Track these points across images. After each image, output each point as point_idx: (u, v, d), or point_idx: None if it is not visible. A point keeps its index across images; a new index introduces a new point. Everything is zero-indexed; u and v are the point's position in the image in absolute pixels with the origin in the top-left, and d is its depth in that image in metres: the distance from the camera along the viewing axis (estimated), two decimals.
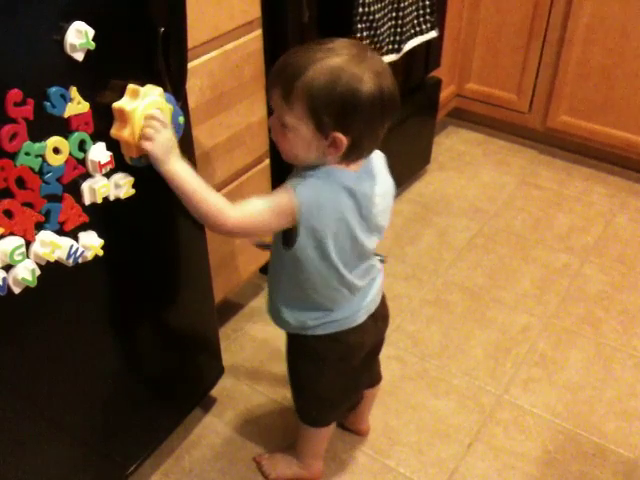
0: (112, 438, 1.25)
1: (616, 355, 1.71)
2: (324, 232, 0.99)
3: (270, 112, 1.53)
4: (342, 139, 0.94)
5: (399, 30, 1.77)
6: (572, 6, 2.16)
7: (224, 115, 1.41)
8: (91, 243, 0.97)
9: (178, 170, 0.97)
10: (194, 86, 1.28)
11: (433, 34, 1.92)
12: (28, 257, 0.89)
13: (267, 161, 1.62)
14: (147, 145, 0.95)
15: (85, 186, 0.94)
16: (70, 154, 0.90)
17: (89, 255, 0.97)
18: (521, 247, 2.08)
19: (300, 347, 1.19)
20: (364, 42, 1.58)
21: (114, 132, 0.95)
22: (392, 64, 1.71)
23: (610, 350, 1.72)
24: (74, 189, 0.93)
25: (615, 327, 1.79)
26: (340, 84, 0.91)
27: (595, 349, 1.73)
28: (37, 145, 0.85)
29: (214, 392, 1.57)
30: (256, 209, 0.98)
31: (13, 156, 0.83)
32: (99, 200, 0.96)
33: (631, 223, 2.19)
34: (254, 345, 1.73)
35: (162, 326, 1.30)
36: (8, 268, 0.87)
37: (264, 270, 1.84)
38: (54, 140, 0.87)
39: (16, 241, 0.86)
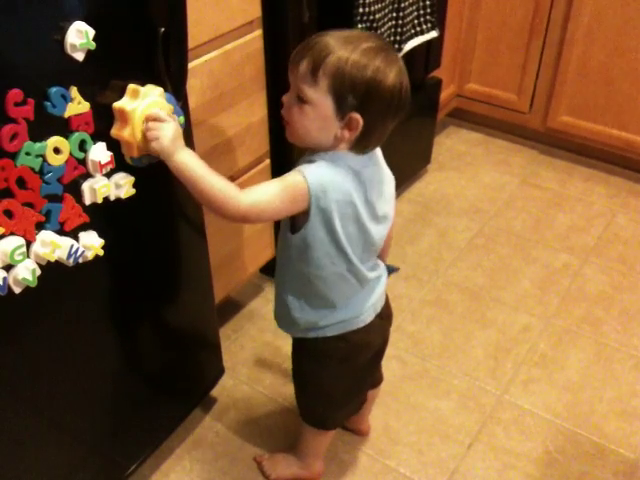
0: (112, 438, 1.25)
1: (616, 355, 1.71)
2: (333, 213, 0.99)
3: (271, 112, 1.56)
4: (359, 120, 0.95)
5: (399, 30, 1.77)
6: (572, 6, 2.16)
7: (224, 115, 1.41)
8: (91, 243, 0.97)
9: (185, 160, 0.96)
10: (194, 86, 1.28)
11: (433, 34, 1.92)
12: (28, 257, 0.89)
13: (267, 161, 1.62)
14: (154, 145, 0.95)
15: (85, 186, 0.94)
16: (70, 154, 0.90)
17: (89, 255, 0.97)
18: (521, 247, 2.08)
19: (306, 347, 1.19)
20: None
21: (114, 132, 0.95)
22: None
23: (610, 350, 1.72)
24: (74, 189, 0.93)
25: (615, 327, 1.79)
26: (370, 68, 0.93)
27: (595, 349, 1.73)
28: (37, 145, 0.85)
29: (214, 392, 1.57)
30: (268, 194, 0.97)
31: (13, 156, 0.83)
32: (99, 200, 0.96)
33: (631, 223, 2.19)
34: (254, 345, 1.74)
35: (162, 326, 1.30)
36: (8, 268, 0.87)
37: (264, 270, 1.84)
38: (54, 140, 0.87)
39: (16, 241, 0.86)
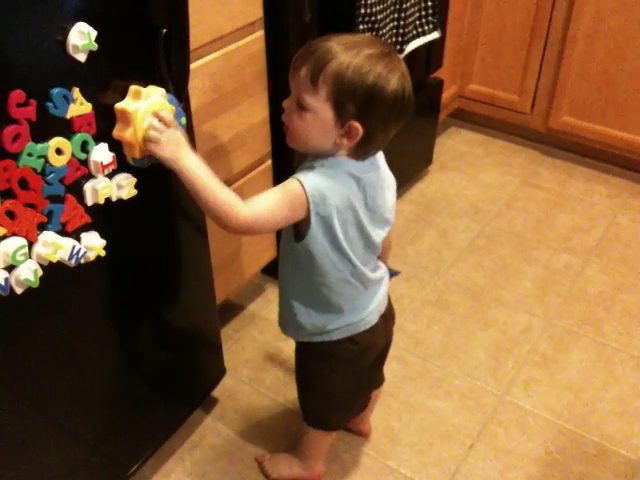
0: (113, 438, 1.25)
1: (617, 356, 1.71)
2: (333, 220, 0.99)
3: (272, 113, 1.56)
4: (358, 128, 0.95)
5: (401, 31, 1.77)
6: (574, 7, 2.16)
7: (226, 116, 1.41)
8: (93, 244, 0.97)
9: (188, 167, 0.95)
10: (196, 87, 1.28)
11: (435, 35, 1.92)
12: (30, 258, 0.89)
13: (269, 162, 1.63)
14: (153, 147, 0.95)
15: (87, 187, 0.94)
16: (72, 155, 0.90)
17: (91, 256, 0.98)
18: (522, 248, 2.08)
19: (312, 349, 1.19)
20: None
21: (116, 133, 0.96)
22: None
23: (611, 351, 1.72)
24: (76, 190, 0.93)
25: (616, 327, 1.79)
26: (371, 75, 0.92)
27: (596, 350, 1.73)
28: (39, 146, 0.85)
29: (215, 393, 1.57)
30: (266, 204, 0.97)
31: (15, 157, 0.83)
32: (101, 201, 0.97)
33: (632, 224, 2.19)
34: (255, 346, 1.74)
35: (163, 326, 1.30)
36: (10, 268, 0.88)
37: (266, 271, 1.84)
38: (56, 141, 0.87)
39: (18, 242, 0.86)
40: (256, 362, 1.69)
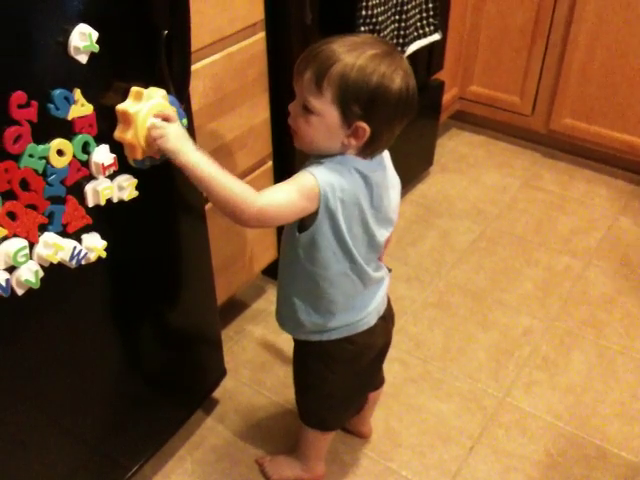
0: (114, 439, 1.25)
1: (618, 358, 1.71)
2: (340, 214, 0.99)
3: (273, 114, 1.56)
4: (365, 129, 0.95)
5: (402, 33, 1.77)
6: (575, 9, 2.16)
7: (227, 117, 1.42)
8: (94, 245, 0.97)
9: (196, 161, 0.95)
10: (197, 88, 1.28)
11: (436, 37, 1.92)
12: (31, 259, 0.89)
13: (270, 163, 1.63)
14: (159, 142, 0.94)
15: (88, 188, 0.95)
16: (74, 156, 0.90)
17: (92, 257, 0.98)
18: (523, 249, 2.08)
19: (310, 348, 1.19)
20: None
21: (118, 134, 0.96)
22: None
23: (612, 353, 1.72)
24: (77, 191, 0.94)
25: (618, 330, 1.79)
26: (375, 76, 0.93)
27: (597, 352, 1.73)
28: (41, 147, 0.85)
29: (216, 394, 1.57)
30: (282, 194, 0.97)
31: (17, 158, 0.83)
32: (102, 202, 0.97)
33: (634, 226, 2.18)
34: (256, 347, 1.74)
35: (164, 327, 1.30)
36: (11, 269, 0.88)
37: (267, 272, 1.84)
38: (58, 142, 0.87)
39: (19, 243, 0.87)
40: (257, 363, 1.69)
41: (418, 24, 1.85)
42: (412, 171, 2.31)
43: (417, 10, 1.82)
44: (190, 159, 0.95)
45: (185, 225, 1.24)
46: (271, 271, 1.79)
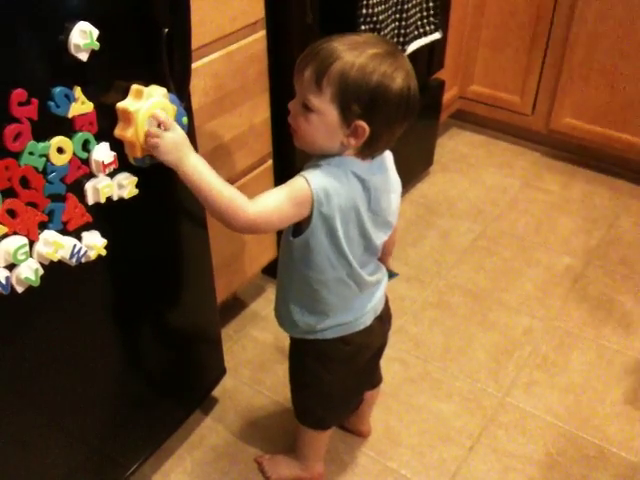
0: (113, 438, 1.25)
1: (618, 358, 1.71)
2: (336, 219, 0.99)
3: (274, 113, 1.56)
4: (365, 128, 0.95)
5: (403, 32, 1.77)
6: (575, 8, 2.16)
7: (227, 116, 1.41)
8: (94, 243, 0.97)
9: (191, 169, 0.95)
10: (198, 87, 1.28)
11: (437, 36, 1.92)
12: (31, 256, 0.89)
13: (270, 162, 1.63)
14: (154, 152, 0.95)
15: (89, 186, 0.94)
16: (74, 154, 0.90)
17: (92, 255, 0.98)
18: (524, 249, 2.08)
19: (306, 347, 1.19)
20: None
21: (118, 132, 0.96)
22: None
23: (612, 353, 1.72)
24: (78, 189, 0.93)
25: (617, 330, 1.79)
26: (375, 76, 0.92)
27: (597, 352, 1.73)
28: (41, 145, 0.85)
29: (216, 393, 1.57)
30: (273, 201, 0.97)
31: (17, 156, 0.83)
32: (102, 200, 0.97)
33: (634, 226, 2.18)
34: (256, 346, 1.74)
35: (164, 326, 1.30)
36: (11, 267, 0.87)
37: (266, 271, 1.84)
38: (58, 140, 0.87)
39: (19, 240, 0.86)
40: (256, 362, 1.69)
41: (419, 23, 1.85)
42: (412, 171, 2.31)
43: (417, 9, 1.81)
44: (183, 169, 0.95)
45: (185, 223, 1.24)
46: (271, 270, 1.79)
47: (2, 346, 0.95)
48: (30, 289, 0.91)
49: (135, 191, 1.02)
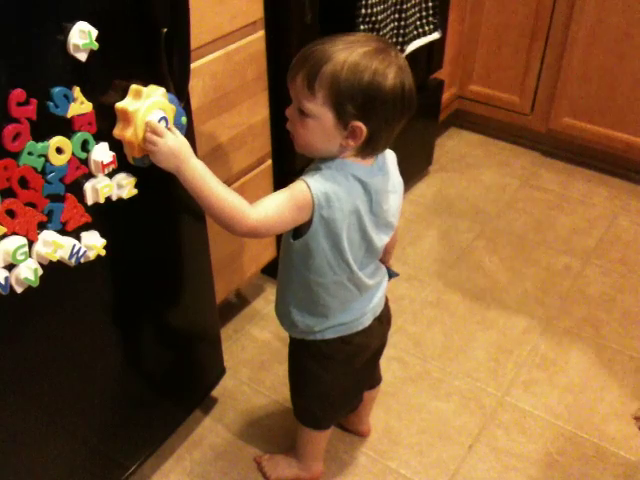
0: (113, 438, 1.25)
1: (617, 357, 1.71)
2: (336, 223, 0.99)
3: (273, 112, 1.56)
4: (362, 128, 0.94)
5: (402, 32, 1.77)
6: (574, 8, 2.16)
7: (226, 116, 1.41)
8: (93, 243, 0.97)
9: (191, 175, 0.95)
10: (197, 87, 1.28)
11: (436, 36, 1.92)
12: (30, 257, 0.89)
13: (269, 162, 1.63)
14: (153, 159, 0.96)
15: (88, 186, 0.94)
16: (73, 154, 0.90)
17: (91, 255, 0.98)
18: (522, 249, 2.08)
19: (305, 347, 1.19)
20: None
21: (117, 132, 0.96)
22: None
23: (611, 352, 1.72)
24: (77, 189, 0.93)
25: (616, 329, 1.79)
26: (366, 74, 0.91)
27: (596, 351, 1.73)
28: (40, 145, 0.85)
29: (215, 393, 1.57)
30: (274, 206, 0.97)
31: (16, 156, 0.83)
32: (102, 200, 0.97)
33: (633, 225, 2.19)
34: (255, 346, 1.74)
35: (164, 326, 1.30)
36: (10, 267, 0.88)
37: (266, 271, 1.84)
38: (57, 140, 0.87)
39: (19, 241, 0.86)
40: (256, 362, 1.69)
41: (417, 23, 1.85)
42: (411, 171, 2.31)
43: (417, 9, 1.82)
44: (183, 176, 0.96)
45: (184, 223, 1.24)
46: (270, 270, 1.79)
47: (2, 346, 0.95)
48: (29, 289, 0.91)
49: (134, 191, 1.02)
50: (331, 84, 0.92)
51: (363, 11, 1.57)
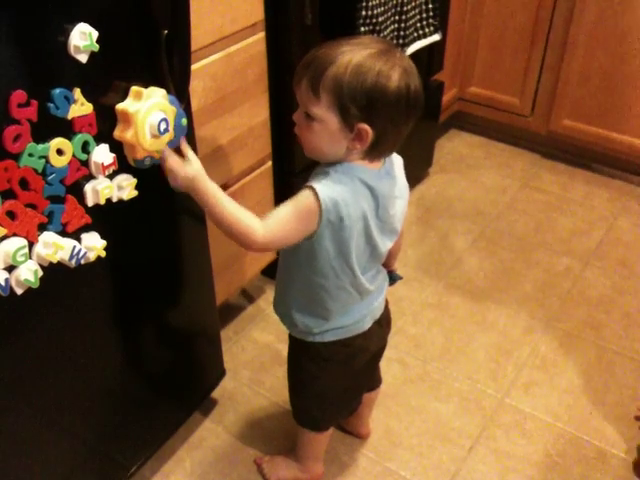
0: (113, 439, 1.25)
1: (617, 359, 1.71)
2: (343, 227, 0.99)
3: (273, 114, 1.56)
4: (368, 130, 0.94)
5: (402, 33, 1.77)
6: (574, 10, 2.16)
7: (227, 117, 1.42)
8: (94, 244, 0.97)
9: (205, 191, 0.98)
10: (197, 88, 1.28)
11: (436, 37, 1.92)
12: (31, 258, 0.89)
13: (269, 163, 1.63)
14: (170, 183, 1.00)
15: (88, 187, 0.94)
16: (73, 155, 0.90)
17: (92, 256, 0.98)
18: (523, 250, 2.08)
19: (305, 349, 1.19)
20: None
21: (117, 134, 0.96)
22: None
23: (611, 354, 1.72)
24: (77, 190, 0.93)
25: (616, 330, 1.79)
26: (369, 76, 0.91)
27: (596, 352, 1.73)
28: (40, 146, 0.85)
29: (215, 394, 1.57)
30: (283, 220, 0.98)
31: (16, 157, 0.83)
32: (102, 201, 0.97)
33: (633, 227, 2.19)
34: (255, 347, 1.74)
35: (164, 327, 1.30)
36: (11, 269, 0.88)
37: (266, 272, 1.84)
38: (57, 141, 0.87)
39: (19, 242, 0.86)
40: (256, 364, 1.69)
41: (418, 25, 1.85)
42: (411, 172, 2.28)
43: (417, 11, 1.82)
44: (199, 190, 0.98)
45: (185, 225, 1.24)
46: (270, 271, 1.79)
47: (2, 347, 0.95)
48: (30, 291, 0.91)
49: (135, 192, 1.02)
50: (335, 87, 0.92)
51: (363, 13, 1.57)
